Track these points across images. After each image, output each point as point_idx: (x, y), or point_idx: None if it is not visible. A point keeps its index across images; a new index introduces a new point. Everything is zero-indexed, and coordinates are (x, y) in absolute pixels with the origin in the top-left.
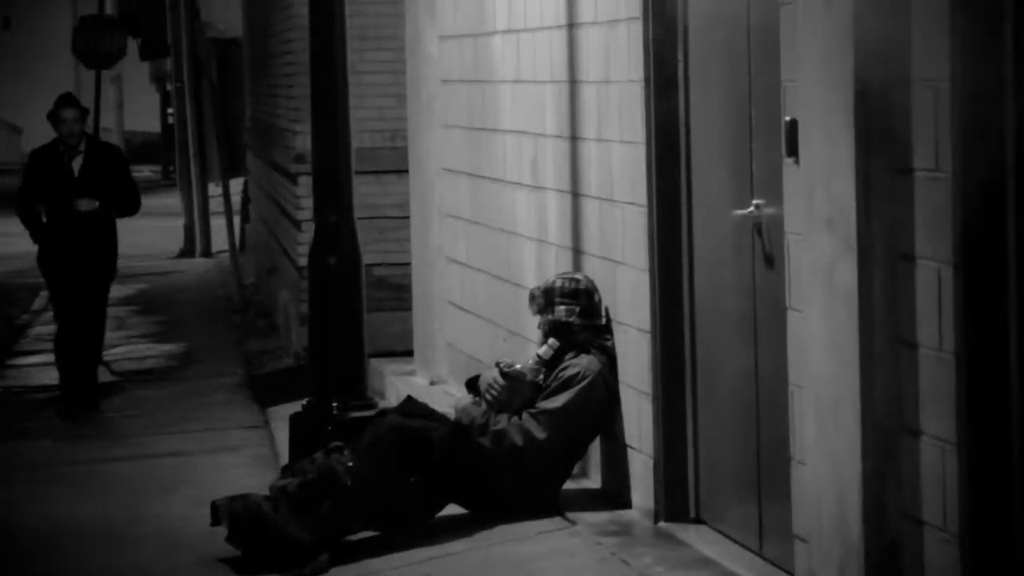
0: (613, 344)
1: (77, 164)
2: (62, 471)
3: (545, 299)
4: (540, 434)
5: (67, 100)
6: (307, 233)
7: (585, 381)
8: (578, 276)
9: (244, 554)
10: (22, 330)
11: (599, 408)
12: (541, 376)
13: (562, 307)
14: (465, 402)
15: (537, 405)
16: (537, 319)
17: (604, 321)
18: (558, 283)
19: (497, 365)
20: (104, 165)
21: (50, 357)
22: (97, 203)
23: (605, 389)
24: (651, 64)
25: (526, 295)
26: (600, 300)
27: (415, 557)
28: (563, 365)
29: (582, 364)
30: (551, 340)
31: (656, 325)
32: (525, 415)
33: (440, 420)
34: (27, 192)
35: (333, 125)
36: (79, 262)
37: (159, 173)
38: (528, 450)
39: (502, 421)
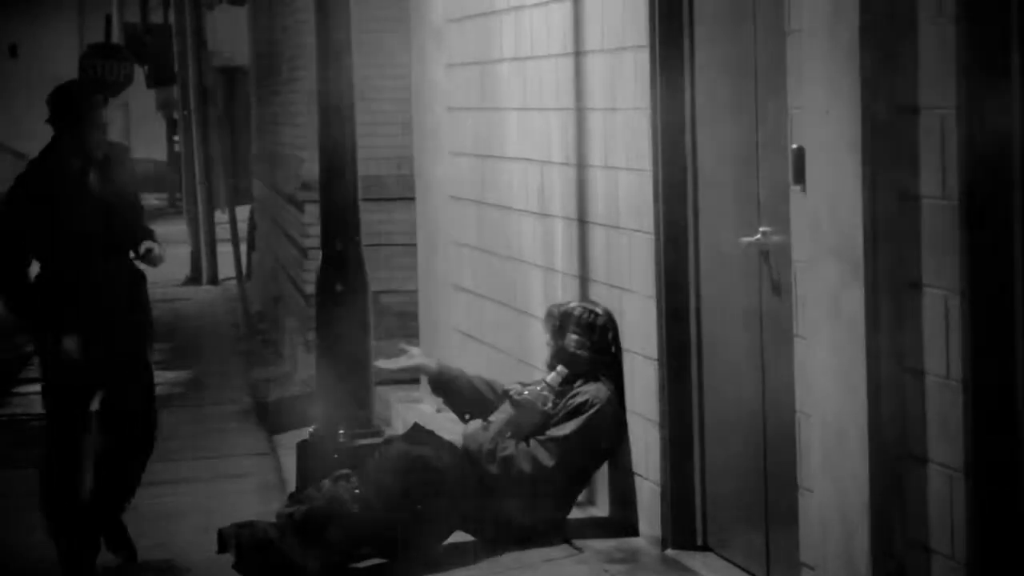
0: (622, 373)
1: (94, 178)
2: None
3: (561, 323)
4: (548, 461)
5: (93, 83)
6: (314, 260)
7: (593, 409)
8: (598, 310)
9: None
10: (28, 358)
11: (607, 436)
12: (549, 404)
13: (574, 336)
14: (473, 427)
15: (546, 432)
16: (548, 337)
17: (609, 357)
18: (577, 311)
19: (506, 392)
20: (122, 178)
21: None
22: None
23: (613, 417)
24: (657, 92)
25: (533, 323)
26: (614, 337)
27: None
28: (572, 392)
29: (591, 392)
30: (559, 367)
31: (663, 352)
32: (533, 442)
33: (446, 447)
34: (12, 236)
35: (340, 152)
36: (104, 340)
37: (165, 201)
38: (536, 477)
39: (510, 447)
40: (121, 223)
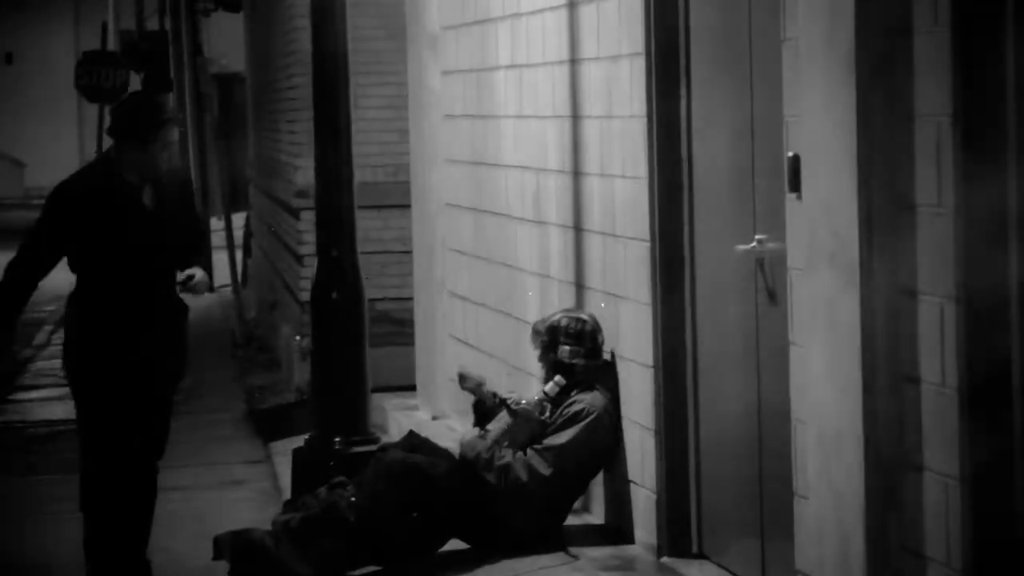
0: (617, 380)
1: (149, 196)
2: (64, 506)
3: (549, 337)
4: (545, 470)
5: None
6: (309, 267)
7: (590, 418)
8: (583, 316)
9: None
10: (24, 365)
11: (603, 444)
12: (547, 413)
13: (566, 347)
14: (470, 435)
15: (543, 441)
16: (538, 354)
17: (607, 359)
18: (563, 321)
19: (504, 401)
20: (177, 199)
21: (52, 392)
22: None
23: (609, 425)
24: (653, 100)
25: (529, 330)
26: (603, 340)
27: None
28: (569, 401)
29: (587, 400)
30: (557, 377)
31: (659, 360)
32: (530, 451)
33: (442, 455)
34: (45, 242)
35: (336, 160)
36: (147, 370)
37: None
38: (532, 485)
39: (507, 456)
40: (170, 247)
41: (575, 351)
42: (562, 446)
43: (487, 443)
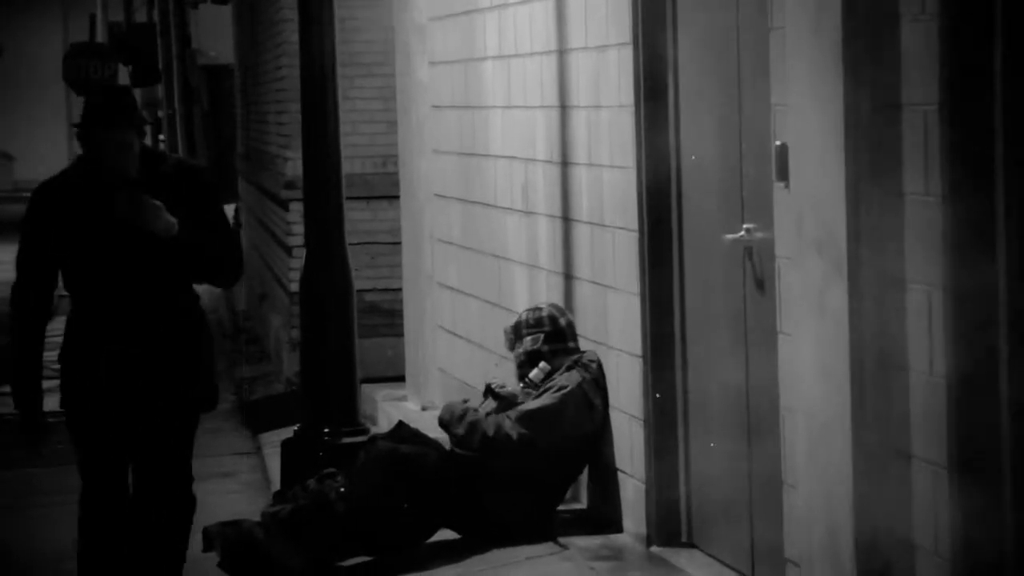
0: (598, 364)
1: (124, 199)
2: (55, 499)
3: (515, 334)
4: (513, 432)
5: (110, 101)
6: (298, 259)
7: (563, 391)
8: (541, 305)
9: None
10: None
11: (577, 421)
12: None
13: (528, 337)
14: (454, 401)
15: (515, 408)
16: (512, 355)
17: (573, 344)
18: (523, 316)
19: (489, 386)
20: (174, 197)
21: (43, 384)
22: (175, 221)
23: (586, 404)
24: (641, 89)
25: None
26: (569, 323)
27: None
28: (550, 381)
29: (564, 378)
30: (542, 364)
31: (647, 349)
32: (501, 415)
33: (432, 446)
34: (34, 265)
35: (324, 151)
36: (143, 392)
37: None
38: (498, 443)
39: (479, 414)
40: (163, 255)
41: (536, 337)
42: (530, 411)
43: (466, 405)
